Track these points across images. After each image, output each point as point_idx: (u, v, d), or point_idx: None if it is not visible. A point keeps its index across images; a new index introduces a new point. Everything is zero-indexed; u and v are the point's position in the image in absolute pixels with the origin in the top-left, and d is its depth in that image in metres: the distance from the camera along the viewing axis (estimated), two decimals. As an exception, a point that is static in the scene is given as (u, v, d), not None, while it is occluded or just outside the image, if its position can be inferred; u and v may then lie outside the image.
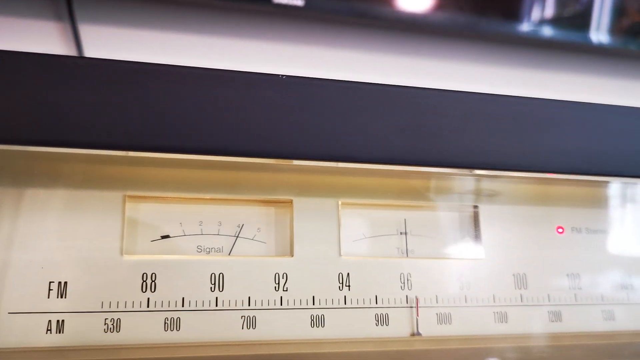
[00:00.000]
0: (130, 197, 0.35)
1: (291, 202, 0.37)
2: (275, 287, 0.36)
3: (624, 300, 0.43)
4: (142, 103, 0.31)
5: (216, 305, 0.34)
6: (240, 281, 0.35)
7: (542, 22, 0.70)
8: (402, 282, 0.38)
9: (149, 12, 0.62)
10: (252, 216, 0.37)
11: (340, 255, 0.37)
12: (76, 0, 0.59)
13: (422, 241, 0.40)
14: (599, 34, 0.72)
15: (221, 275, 0.35)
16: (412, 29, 0.70)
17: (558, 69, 0.77)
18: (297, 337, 0.35)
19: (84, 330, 0.32)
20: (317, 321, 0.36)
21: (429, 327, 0.38)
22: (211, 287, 0.34)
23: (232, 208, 0.37)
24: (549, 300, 0.41)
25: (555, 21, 0.71)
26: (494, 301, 0.40)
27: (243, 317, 0.35)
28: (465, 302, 0.39)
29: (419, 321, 0.37)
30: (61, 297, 0.32)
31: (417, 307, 0.38)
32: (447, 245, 0.41)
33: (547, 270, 0.41)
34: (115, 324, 0.32)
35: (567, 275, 0.42)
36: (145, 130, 0.30)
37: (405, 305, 0.38)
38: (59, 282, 0.32)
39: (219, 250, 0.36)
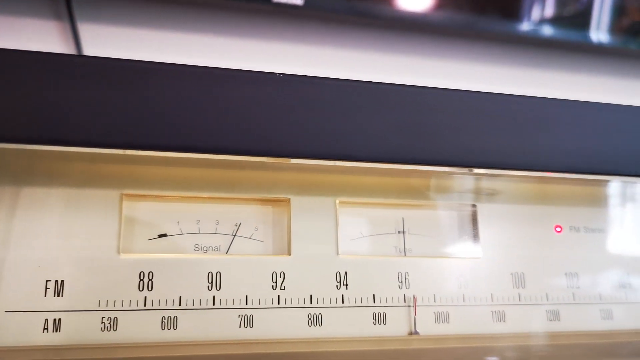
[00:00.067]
0: (128, 195, 0.35)
1: (289, 200, 0.37)
2: (272, 286, 0.36)
3: (622, 299, 0.43)
4: (141, 101, 0.31)
5: (213, 304, 0.34)
6: (238, 280, 0.35)
7: (542, 21, 0.70)
8: (400, 281, 0.38)
9: (148, 10, 0.62)
10: (250, 215, 0.37)
11: (337, 254, 0.37)
12: (75, -1, 0.59)
13: (420, 240, 0.40)
14: (599, 33, 0.72)
15: (218, 274, 0.35)
16: (411, 28, 0.70)
17: (558, 68, 0.77)
18: (295, 336, 0.35)
19: (80, 329, 0.32)
20: (315, 320, 0.36)
21: (427, 326, 0.38)
22: (208, 286, 0.34)
23: (229, 207, 0.37)
24: (547, 300, 0.41)
25: (555, 20, 0.71)
26: (492, 300, 0.39)
27: (240, 316, 0.35)
28: (463, 301, 0.39)
29: (416, 320, 0.37)
30: (58, 295, 0.32)
31: (414, 306, 0.38)
32: (445, 244, 0.41)
33: (545, 270, 0.41)
34: (112, 323, 0.32)
35: (565, 274, 0.42)
36: (143, 128, 0.30)
37: (403, 304, 0.38)
38: (56, 281, 0.32)
39: (217, 249, 0.36)
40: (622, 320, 0.42)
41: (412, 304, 0.38)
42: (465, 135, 0.35)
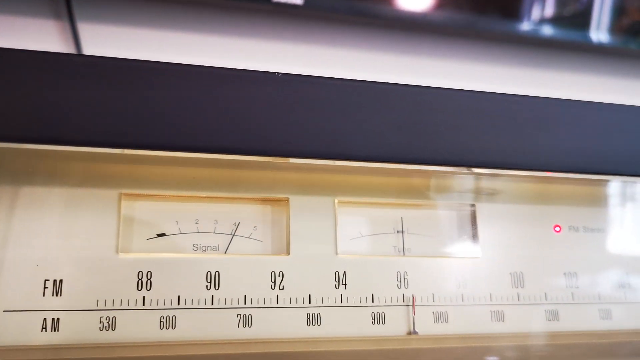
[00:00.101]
0: (126, 195, 0.35)
1: (287, 200, 0.37)
2: (271, 286, 0.36)
3: (621, 299, 0.43)
4: (139, 101, 0.31)
5: (212, 304, 0.34)
6: (236, 279, 0.35)
7: (542, 20, 0.70)
8: (399, 280, 0.38)
9: (147, 10, 0.62)
10: (249, 214, 0.37)
11: (336, 253, 0.37)
12: (75, -1, 0.59)
13: (419, 240, 0.40)
14: (599, 32, 0.72)
15: (217, 273, 0.35)
16: (411, 27, 0.70)
17: (558, 68, 0.77)
18: (293, 335, 0.35)
19: (79, 328, 0.32)
20: (313, 320, 0.36)
21: (426, 326, 0.37)
22: (207, 286, 0.34)
23: (228, 206, 0.37)
24: (546, 299, 0.41)
25: (555, 20, 0.71)
26: (491, 300, 0.39)
27: (239, 316, 0.35)
28: (462, 300, 0.39)
29: (415, 320, 0.37)
30: (56, 295, 0.32)
31: (413, 305, 0.38)
32: (444, 243, 0.41)
33: (544, 269, 0.41)
34: (110, 322, 0.32)
35: (564, 274, 0.42)
36: (142, 127, 0.30)
37: (402, 303, 0.38)
38: (55, 280, 0.32)
39: (215, 249, 0.36)
40: (621, 320, 0.42)
41: (410, 303, 0.38)
42: (465, 135, 0.35)
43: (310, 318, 0.36)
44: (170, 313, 0.33)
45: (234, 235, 0.37)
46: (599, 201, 0.45)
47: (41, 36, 0.59)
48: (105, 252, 0.33)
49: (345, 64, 0.69)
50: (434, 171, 0.39)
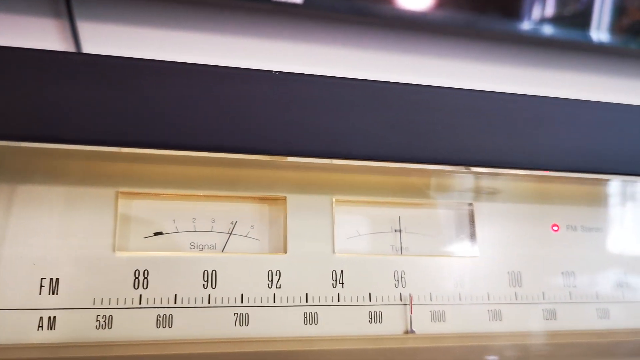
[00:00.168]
0: (123, 193, 0.35)
1: (285, 199, 0.37)
2: (268, 284, 0.35)
3: (618, 298, 0.42)
4: (138, 99, 0.31)
5: (209, 302, 0.34)
6: (233, 278, 0.35)
7: (542, 20, 0.70)
8: (396, 279, 0.38)
9: (147, 9, 0.62)
10: (246, 213, 0.37)
11: (334, 252, 0.37)
12: (74, -2, 0.59)
13: (417, 239, 0.40)
14: (600, 32, 0.72)
15: (214, 272, 0.35)
16: (411, 26, 0.70)
17: (558, 68, 0.77)
18: (290, 334, 0.35)
19: (75, 326, 0.32)
20: (311, 318, 0.36)
21: (423, 325, 0.37)
22: (204, 284, 0.34)
23: (225, 205, 0.37)
24: (543, 298, 0.41)
25: (555, 19, 0.70)
26: (489, 299, 0.39)
27: (236, 314, 0.34)
28: (460, 300, 0.39)
29: (412, 319, 0.37)
30: (53, 293, 0.32)
31: (411, 304, 0.38)
32: (442, 242, 0.40)
33: (542, 268, 0.41)
34: (107, 321, 0.32)
35: (562, 273, 0.42)
36: (140, 126, 0.30)
37: (399, 302, 0.37)
38: (51, 279, 0.32)
39: (212, 247, 0.36)
40: (619, 320, 0.42)
41: (408, 302, 0.38)
42: (464, 134, 0.35)
43: (308, 317, 0.36)
44: (167, 312, 0.33)
45: (231, 233, 0.36)
46: (597, 200, 0.45)
47: (41, 34, 0.59)
48: (102, 250, 0.33)
49: (346, 63, 0.69)
50: (432, 170, 0.39)
